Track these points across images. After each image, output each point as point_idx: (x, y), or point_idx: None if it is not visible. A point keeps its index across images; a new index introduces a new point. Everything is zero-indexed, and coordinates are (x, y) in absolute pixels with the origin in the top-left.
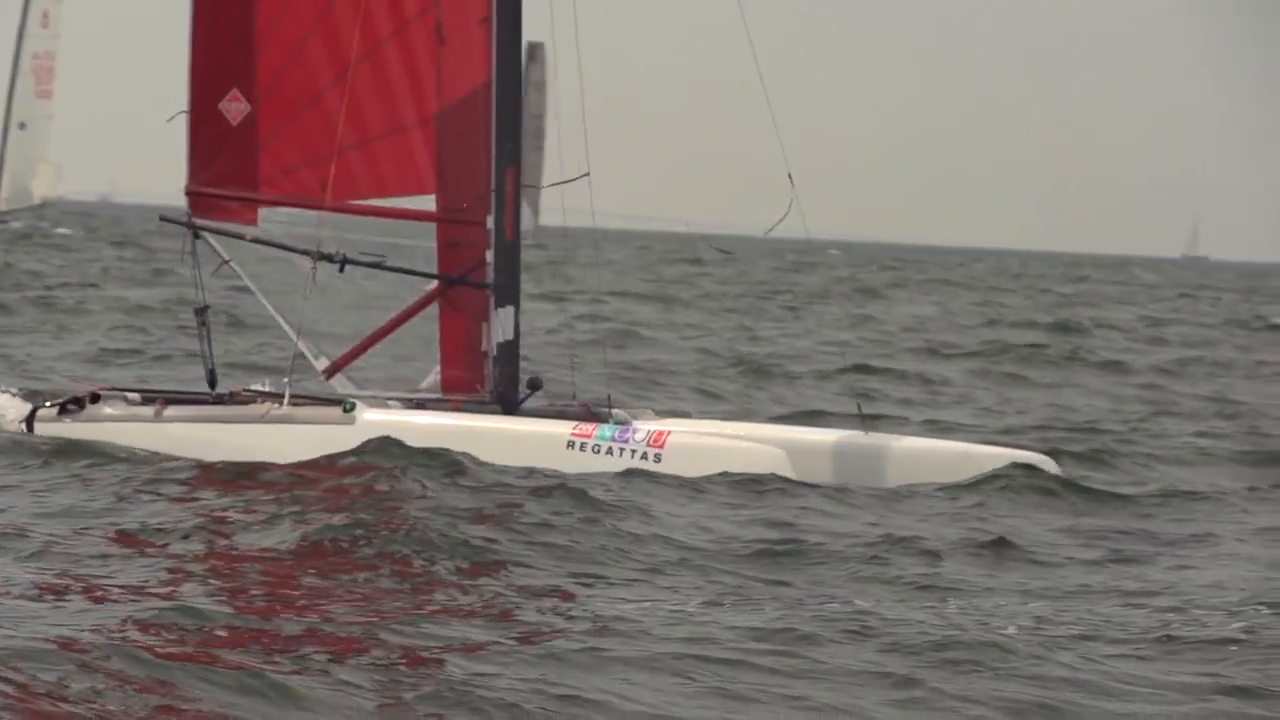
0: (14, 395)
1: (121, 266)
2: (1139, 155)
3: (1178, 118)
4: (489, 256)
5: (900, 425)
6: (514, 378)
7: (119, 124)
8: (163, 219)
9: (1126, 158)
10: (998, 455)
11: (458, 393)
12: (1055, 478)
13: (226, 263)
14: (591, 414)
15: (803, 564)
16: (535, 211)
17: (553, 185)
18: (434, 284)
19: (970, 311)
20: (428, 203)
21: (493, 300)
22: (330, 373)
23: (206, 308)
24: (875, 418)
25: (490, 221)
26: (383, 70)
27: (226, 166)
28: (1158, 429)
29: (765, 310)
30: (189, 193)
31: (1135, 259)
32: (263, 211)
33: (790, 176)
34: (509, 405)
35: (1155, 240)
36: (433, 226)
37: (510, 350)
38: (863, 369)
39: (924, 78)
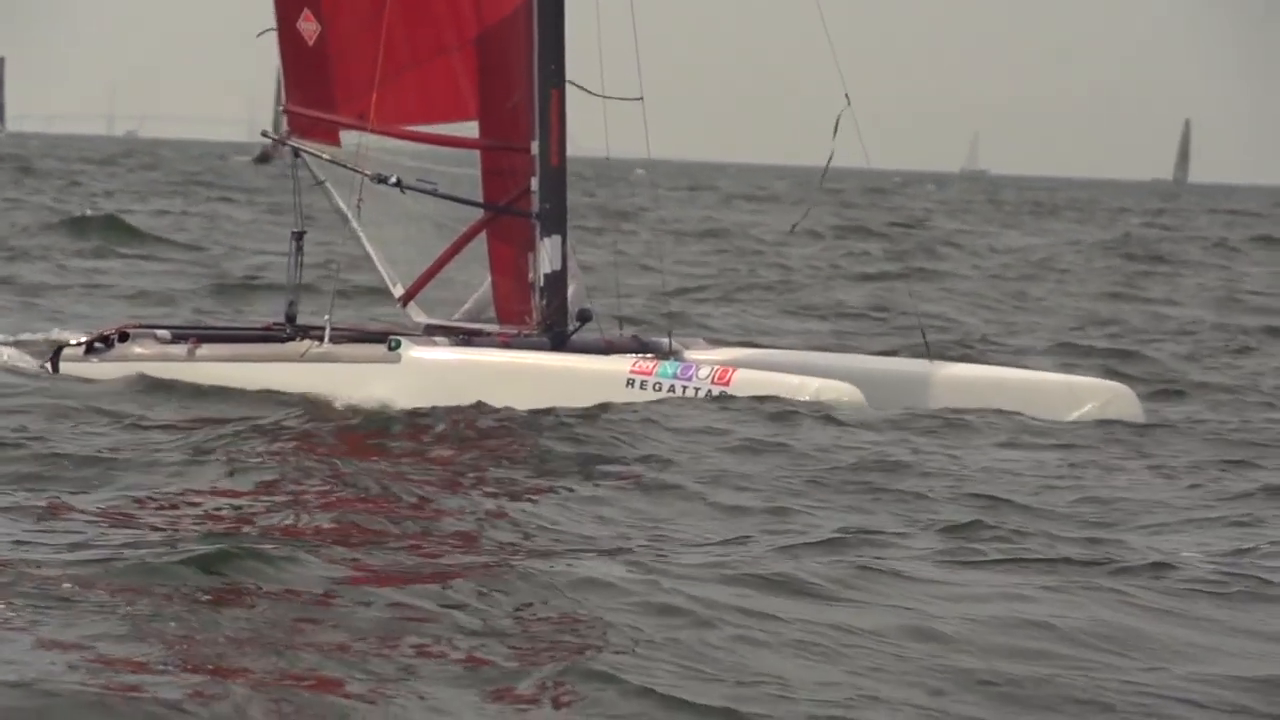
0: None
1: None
2: (919, 73)
3: (956, 36)
4: (534, 184)
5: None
6: (562, 309)
7: None
8: (264, 134)
9: (907, 75)
10: (1070, 384)
11: (510, 324)
12: (1130, 406)
13: (321, 183)
14: (643, 345)
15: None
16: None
17: (603, 97)
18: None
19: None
20: (470, 129)
21: (538, 229)
22: (405, 300)
23: (304, 233)
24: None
25: (534, 147)
26: None
27: (309, 88)
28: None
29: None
30: (285, 111)
31: (922, 174)
32: (343, 134)
33: (848, 97)
34: (557, 338)
35: (935, 156)
36: (475, 154)
37: (558, 281)
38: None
39: None
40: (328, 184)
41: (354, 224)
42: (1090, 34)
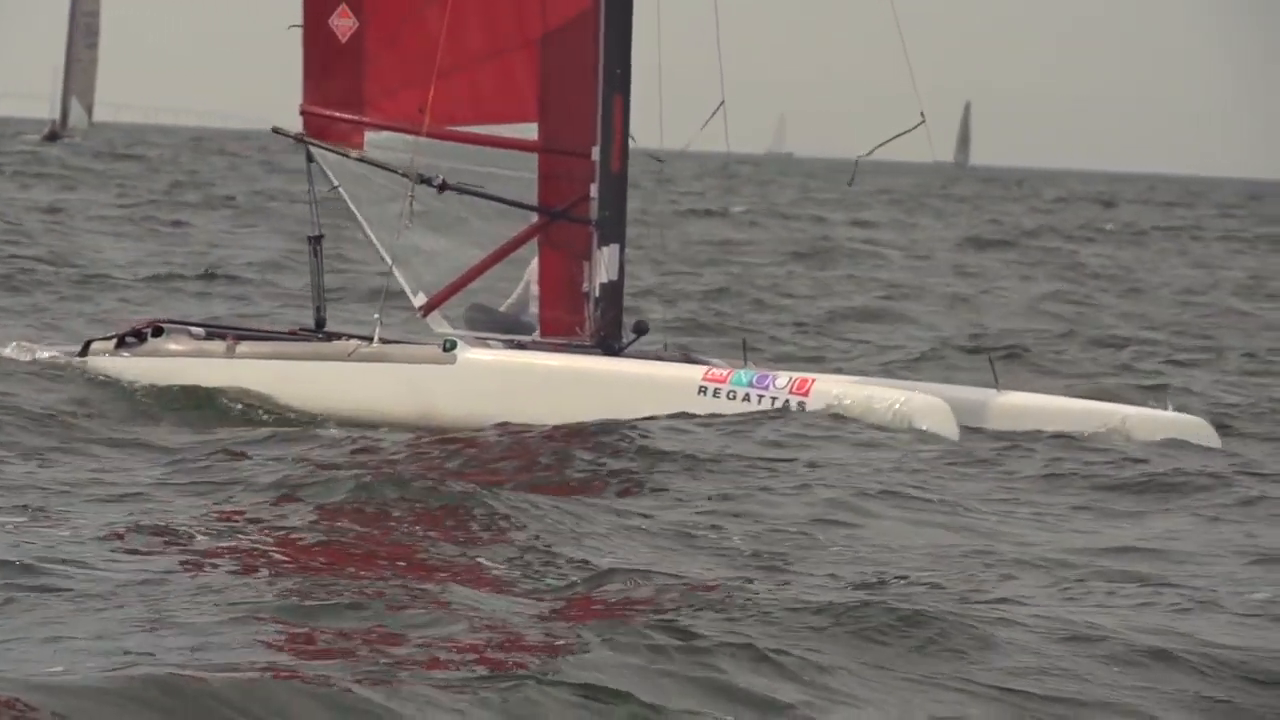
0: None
1: None
2: (726, 52)
3: (765, 19)
4: (593, 190)
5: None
6: (617, 320)
7: None
8: (275, 130)
9: (713, 54)
10: (1149, 418)
11: (557, 335)
12: (1209, 441)
13: (335, 188)
14: (691, 363)
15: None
16: (88, 110)
17: (704, 126)
18: (534, 218)
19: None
20: (529, 131)
21: (596, 237)
22: (427, 310)
23: (321, 237)
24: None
25: (595, 153)
26: None
27: (336, 86)
28: None
29: None
30: (302, 112)
31: (729, 156)
32: (368, 135)
33: (922, 114)
34: (611, 350)
35: (742, 138)
36: (533, 157)
37: (614, 291)
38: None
39: None
40: (341, 188)
41: (367, 230)
42: (872, 14)
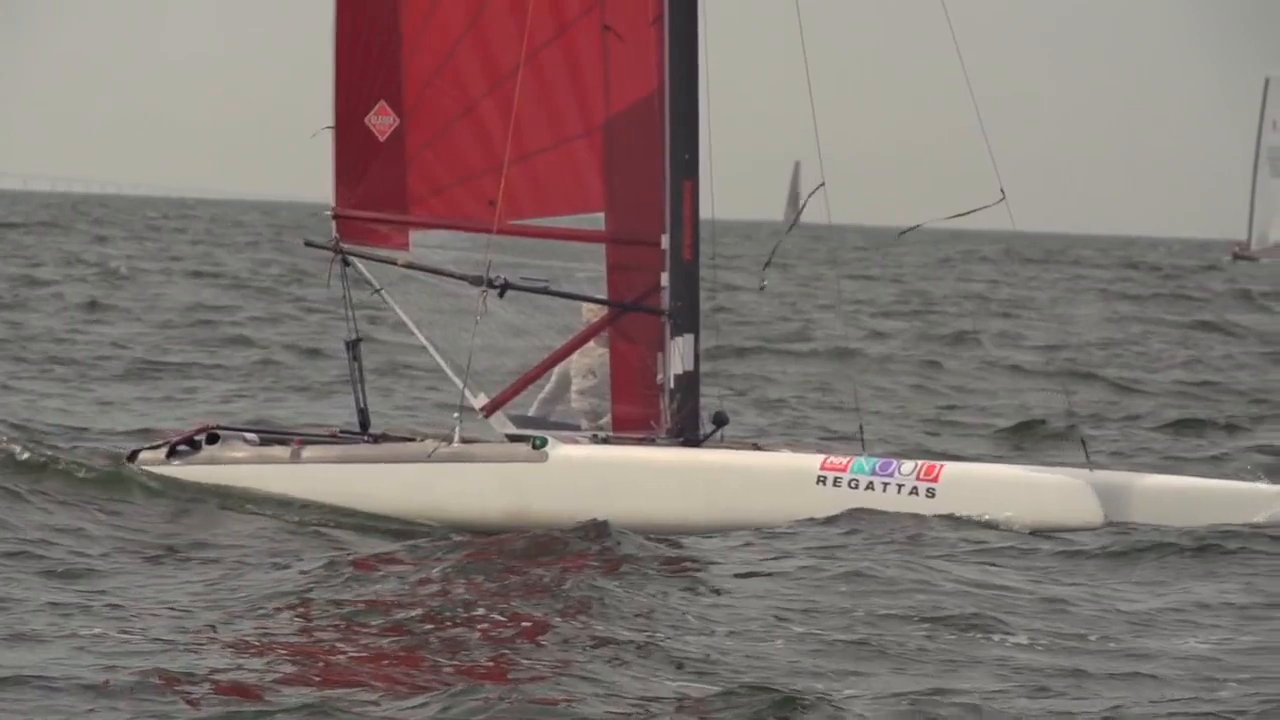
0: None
1: None
2: None
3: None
4: (664, 279)
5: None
6: (694, 413)
7: None
8: (308, 243)
9: None
10: (1258, 492)
11: (631, 430)
12: None
13: (378, 291)
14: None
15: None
16: None
17: (800, 211)
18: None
19: None
20: (595, 221)
21: (668, 328)
22: (490, 410)
23: (358, 341)
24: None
25: (665, 241)
26: (543, 77)
27: (375, 186)
28: None
29: None
30: (336, 216)
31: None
32: (414, 235)
33: (1003, 190)
34: (692, 443)
35: None
36: (601, 248)
37: (690, 382)
38: None
39: None
40: (384, 291)
41: (419, 334)
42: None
